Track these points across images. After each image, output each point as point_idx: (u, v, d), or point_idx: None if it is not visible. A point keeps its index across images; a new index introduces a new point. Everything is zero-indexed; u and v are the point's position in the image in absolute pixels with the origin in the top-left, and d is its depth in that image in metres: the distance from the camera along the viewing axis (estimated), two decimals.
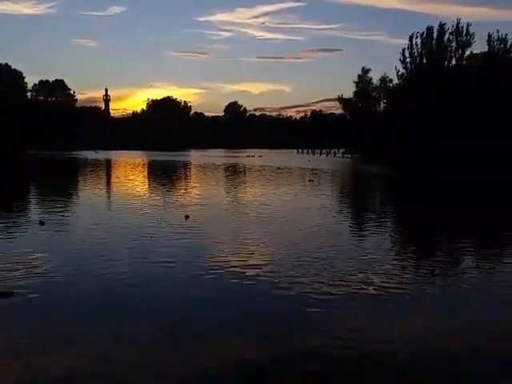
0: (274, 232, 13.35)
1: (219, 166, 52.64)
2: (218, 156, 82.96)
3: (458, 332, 6.63)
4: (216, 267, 9.60)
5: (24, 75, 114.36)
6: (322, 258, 10.38)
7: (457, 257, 11.44)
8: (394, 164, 53.74)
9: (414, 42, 65.14)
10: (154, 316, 7.04)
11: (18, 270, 9.16)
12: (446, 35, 63.12)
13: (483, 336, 6.47)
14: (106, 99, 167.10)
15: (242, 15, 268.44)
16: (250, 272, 9.26)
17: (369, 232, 13.76)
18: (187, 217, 15.37)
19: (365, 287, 8.37)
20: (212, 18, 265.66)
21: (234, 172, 42.86)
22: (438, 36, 63.48)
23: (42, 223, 14.18)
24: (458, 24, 62.68)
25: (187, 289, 8.35)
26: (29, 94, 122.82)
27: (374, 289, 8.30)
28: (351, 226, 15.04)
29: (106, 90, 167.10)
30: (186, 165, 55.90)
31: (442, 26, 63.46)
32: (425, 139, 54.53)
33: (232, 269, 9.50)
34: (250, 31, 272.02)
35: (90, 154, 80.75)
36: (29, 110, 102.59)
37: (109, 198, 22.70)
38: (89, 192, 24.42)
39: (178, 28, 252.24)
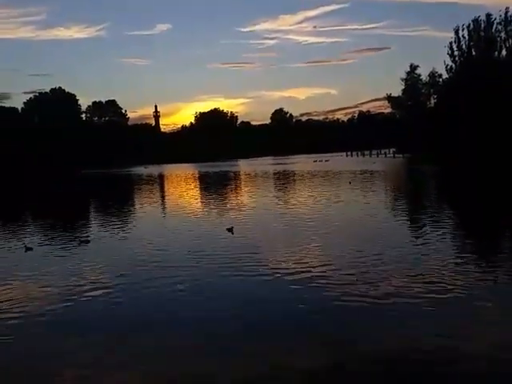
0: (320, 241, 13.39)
1: (269, 174, 52.65)
2: (267, 164, 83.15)
3: None
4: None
5: (78, 98, 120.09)
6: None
7: None
8: (445, 162, 51.95)
9: (460, 35, 63.20)
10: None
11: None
12: (494, 26, 60.84)
13: None
14: (156, 116, 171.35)
15: (285, 22, 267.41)
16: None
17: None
18: (230, 229, 15.53)
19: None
20: (256, 28, 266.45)
21: (284, 179, 42.63)
22: (485, 27, 61.27)
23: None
24: (506, 13, 60.26)
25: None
26: (83, 115, 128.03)
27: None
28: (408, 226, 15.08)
29: (156, 106, 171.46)
30: (236, 175, 56.32)
31: (488, 16, 61.27)
32: (477, 135, 52.33)
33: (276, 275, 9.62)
34: (293, 37, 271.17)
35: (142, 170, 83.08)
36: (84, 132, 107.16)
37: (158, 212, 23.27)
38: (139, 207, 25.25)
39: (223, 40, 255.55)
